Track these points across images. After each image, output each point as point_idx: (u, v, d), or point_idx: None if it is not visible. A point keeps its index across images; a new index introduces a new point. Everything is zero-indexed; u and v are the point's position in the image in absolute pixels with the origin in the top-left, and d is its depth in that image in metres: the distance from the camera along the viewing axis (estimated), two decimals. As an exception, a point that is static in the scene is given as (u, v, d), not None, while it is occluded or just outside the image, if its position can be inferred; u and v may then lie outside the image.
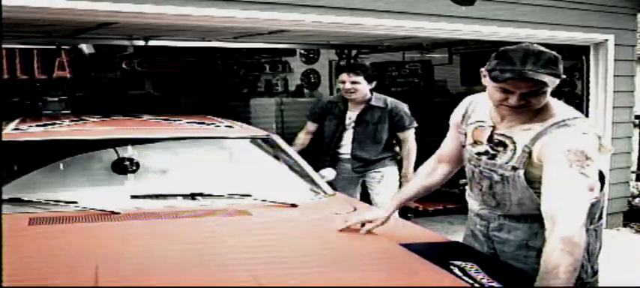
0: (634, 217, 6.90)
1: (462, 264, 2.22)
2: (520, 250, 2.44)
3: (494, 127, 2.37)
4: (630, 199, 7.01)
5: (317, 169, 3.73)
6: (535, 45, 2.24)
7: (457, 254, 2.37)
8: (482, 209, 2.56)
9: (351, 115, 4.82)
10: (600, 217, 2.42)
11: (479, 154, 2.42)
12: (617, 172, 6.63)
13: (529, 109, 2.23)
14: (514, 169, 2.29)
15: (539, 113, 2.26)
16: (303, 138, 4.96)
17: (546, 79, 2.12)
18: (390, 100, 4.86)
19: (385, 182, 4.83)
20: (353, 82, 4.68)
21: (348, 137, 4.83)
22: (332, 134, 4.86)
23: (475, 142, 2.44)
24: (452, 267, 2.19)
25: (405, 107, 4.84)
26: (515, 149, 2.29)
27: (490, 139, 2.37)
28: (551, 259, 1.94)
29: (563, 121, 2.23)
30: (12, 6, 3.39)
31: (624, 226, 6.79)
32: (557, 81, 2.18)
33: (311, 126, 5.00)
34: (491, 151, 2.37)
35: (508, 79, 2.15)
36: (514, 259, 2.44)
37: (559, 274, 1.90)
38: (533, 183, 2.28)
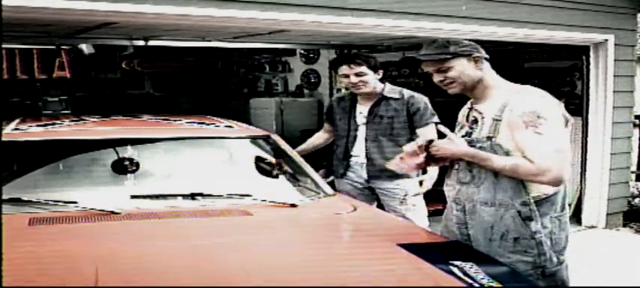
0: (634, 217, 6.89)
1: (462, 264, 2.23)
2: (487, 235, 2.54)
3: (470, 108, 2.67)
4: (630, 199, 7.01)
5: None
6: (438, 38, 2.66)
7: (457, 254, 2.37)
8: (458, 192, 2.65)
9: (362, 109, 4.09)
10: (563, 207, 2.57)
11: (462, 136, 2.64)
12: (617, 172, 6.63)
13: (464, 86, 2.60)
14: (489, 138, 2.53)
15: (495, 89, 2.59)
16: (315, 136, 4.38)
17: (433, 57, 2.58)
18: (406, 91, 4.13)
19: (414, 201, 4.03)
20: (357, 74, 3.96)
21: (361, 136, 4.09)
22: (345, 135, 4.13)
23: (462, 127, 2.70)
24: (452, 267, 2.20)
25: (424, 99, 4.10)
26: (484, 122, 2.57)
27: (467, 118, 2.67)
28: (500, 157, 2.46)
29: (520, 90, 2.56)
30: (12, 6, 3.39)
31: (624, 226, 6.78)
32: (447, 57, 2.57)
33: (326, 126, 4.35)
34: (469, 129, 2.64)
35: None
36: (484, 245, 2.54)
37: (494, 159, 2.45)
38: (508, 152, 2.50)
